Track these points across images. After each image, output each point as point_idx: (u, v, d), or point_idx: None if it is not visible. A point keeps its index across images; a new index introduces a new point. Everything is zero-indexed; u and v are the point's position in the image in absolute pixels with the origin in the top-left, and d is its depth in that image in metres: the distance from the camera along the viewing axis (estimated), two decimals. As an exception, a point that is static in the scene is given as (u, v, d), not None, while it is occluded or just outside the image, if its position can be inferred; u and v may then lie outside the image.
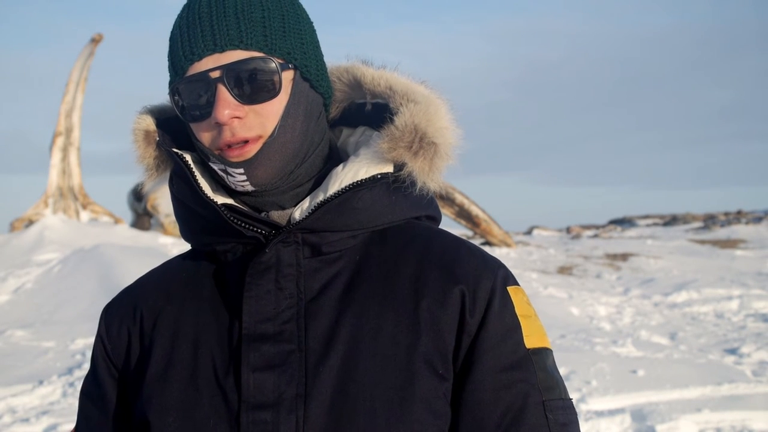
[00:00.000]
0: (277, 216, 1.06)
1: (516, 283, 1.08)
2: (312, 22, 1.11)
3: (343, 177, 1.04)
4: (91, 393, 1.14)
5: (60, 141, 17.09)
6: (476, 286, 1.03)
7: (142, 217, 18.27)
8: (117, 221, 17.14)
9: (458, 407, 1.01)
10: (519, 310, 1.04)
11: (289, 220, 1.05)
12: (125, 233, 14.59)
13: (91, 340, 7.19)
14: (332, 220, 1.03)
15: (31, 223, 15.67)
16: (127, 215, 18.79)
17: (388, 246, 1.07)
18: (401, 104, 1.08)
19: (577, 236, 22.71)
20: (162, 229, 16.74)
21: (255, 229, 1.03)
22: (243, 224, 1.03)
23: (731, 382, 5.72)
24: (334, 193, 1.02)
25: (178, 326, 1.07)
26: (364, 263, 1.06)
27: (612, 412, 4.99)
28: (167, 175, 1.12)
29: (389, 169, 1.06)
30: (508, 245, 16.80)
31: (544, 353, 1.04)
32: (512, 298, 1.05)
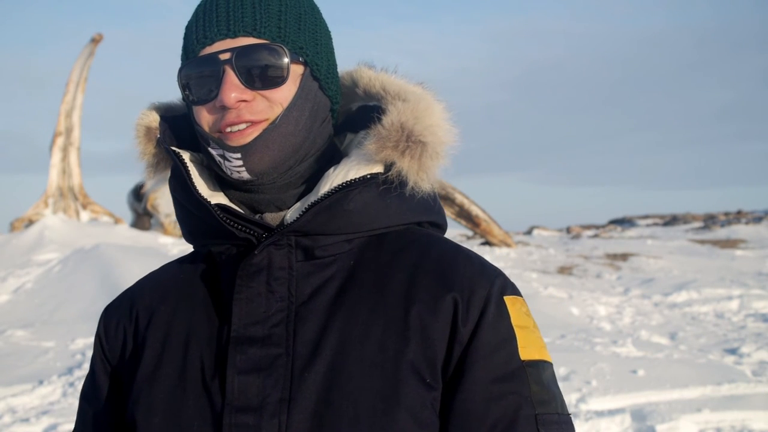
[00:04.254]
0: (271, 218, 1.05)
1: (515, 293, 1.04)
2: (329, 31, 1.11)
3: (333, 178, 1.02)
4: (88, 394, 1.14)
5: (60, 141, 17.08)
6: (471, 294, 1.00)
7: (142, 217, 18.27)
8: (117, 221, 17.14)
9: (447, 417, 0.98)
10: (515, 321, 1.01)
11: (281, 222, 1.03)
12: (125, 233, 14.58)
13: (91, 339, 7.19)
14: (324, 222, 1.01)
15: (31, 223, 15.67)
16: (127, 215, 18.80)
17: (384, 251, 1.05)
18: (391, 104, 1.06)
19: (577, 236, 22.70)
20: (162, 229, 16.72)
21: (247, 230, 1.02)
22: (236, 225, 1.02)
23: (731, 382, 5.71)
24: (324, 194, 1.01)
25: (171, 327, 1.07)
26: (359, 268, 1.04)
27: (612, 412, 4.98)
28: (167, 174, 1.11)
29: (379, 169, 1.04)
30: (508, 245, 16.80)
31: (541, 366, 1.00)
32: (508, 308, 1.02)
